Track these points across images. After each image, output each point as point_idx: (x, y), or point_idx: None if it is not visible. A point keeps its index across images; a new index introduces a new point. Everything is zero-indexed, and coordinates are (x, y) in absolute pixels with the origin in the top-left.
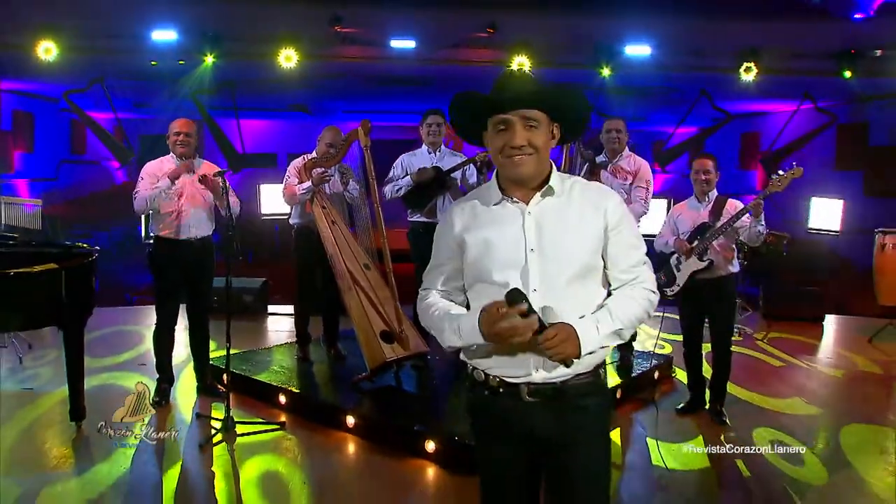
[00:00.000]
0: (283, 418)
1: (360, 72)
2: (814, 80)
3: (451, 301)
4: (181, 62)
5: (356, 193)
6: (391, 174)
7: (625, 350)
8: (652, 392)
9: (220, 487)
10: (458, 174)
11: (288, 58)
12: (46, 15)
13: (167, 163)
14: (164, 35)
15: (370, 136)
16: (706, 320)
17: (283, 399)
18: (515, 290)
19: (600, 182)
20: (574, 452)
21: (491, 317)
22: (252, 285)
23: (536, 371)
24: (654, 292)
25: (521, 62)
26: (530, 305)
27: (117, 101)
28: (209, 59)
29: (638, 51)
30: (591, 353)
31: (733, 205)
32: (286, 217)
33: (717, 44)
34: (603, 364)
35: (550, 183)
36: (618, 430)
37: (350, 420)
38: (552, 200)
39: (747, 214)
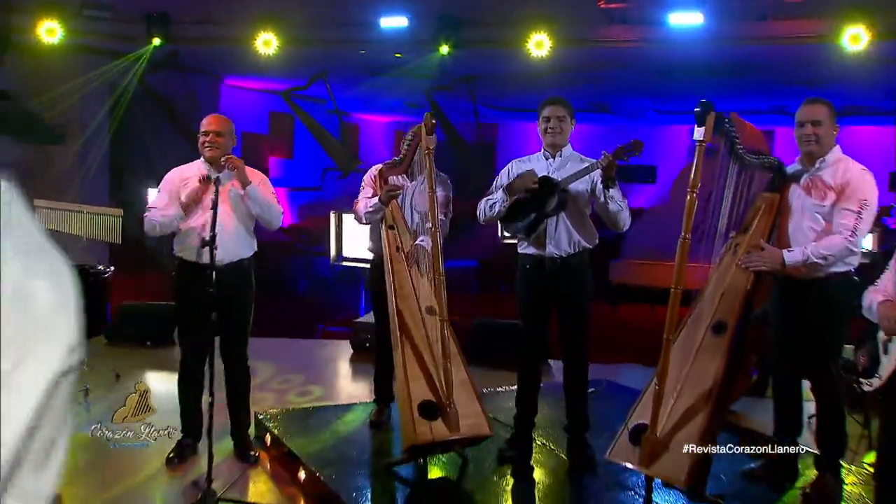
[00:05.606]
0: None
1: (630, 59)
2: None
3: None
4: (397, 55)
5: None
6: (493, 185)
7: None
8: None
9: None
10: (580, 186)
11: (539, 44)
12: (267, 4)
13: (195, 169)
14: (393, 21)
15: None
16: None
17: (302, 475)
18: None
19: (785, 202)
20: None
21: None
22: None
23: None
24: None
25: (854, 34)
26: None
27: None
28: (444, 49)
29: None
30: None
31: None
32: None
33: None
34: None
35: None
36: None
37: None
38: None
39: None
